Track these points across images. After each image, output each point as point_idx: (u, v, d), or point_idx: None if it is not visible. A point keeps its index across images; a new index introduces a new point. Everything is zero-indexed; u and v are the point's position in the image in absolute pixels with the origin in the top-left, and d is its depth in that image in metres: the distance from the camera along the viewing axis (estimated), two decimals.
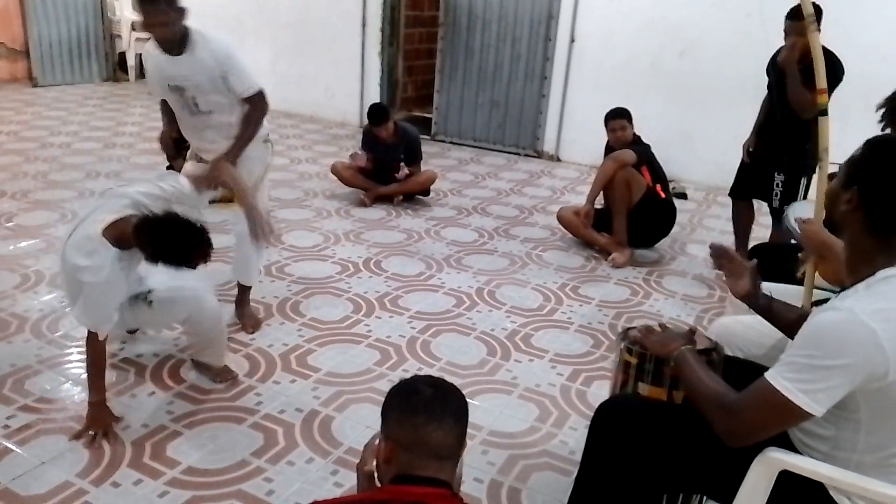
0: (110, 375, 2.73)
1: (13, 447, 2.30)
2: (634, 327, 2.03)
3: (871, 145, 1.50)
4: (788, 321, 1.86)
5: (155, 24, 2.73)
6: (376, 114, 5.08)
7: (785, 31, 3.66)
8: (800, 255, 2.55)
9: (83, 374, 2.74)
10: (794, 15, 3.49)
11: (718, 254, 2.03)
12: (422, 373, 2.87)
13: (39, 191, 5.03)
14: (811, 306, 2.20)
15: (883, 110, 2.55)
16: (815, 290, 2.24)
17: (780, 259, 2.91)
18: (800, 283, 2.34)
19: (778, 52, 3.78)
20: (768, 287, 2.41)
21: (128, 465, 2.25)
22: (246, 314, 3.25)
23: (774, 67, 3.80)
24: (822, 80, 2.22)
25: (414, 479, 1.32)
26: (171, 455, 2.31)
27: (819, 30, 2.56)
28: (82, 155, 6.11)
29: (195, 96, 2.91)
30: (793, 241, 2.97)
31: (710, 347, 1.88)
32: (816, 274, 2.26)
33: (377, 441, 1.44)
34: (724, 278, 2.05)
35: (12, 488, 2.11)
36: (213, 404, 2.61)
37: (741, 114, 4.80)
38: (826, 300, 2.16)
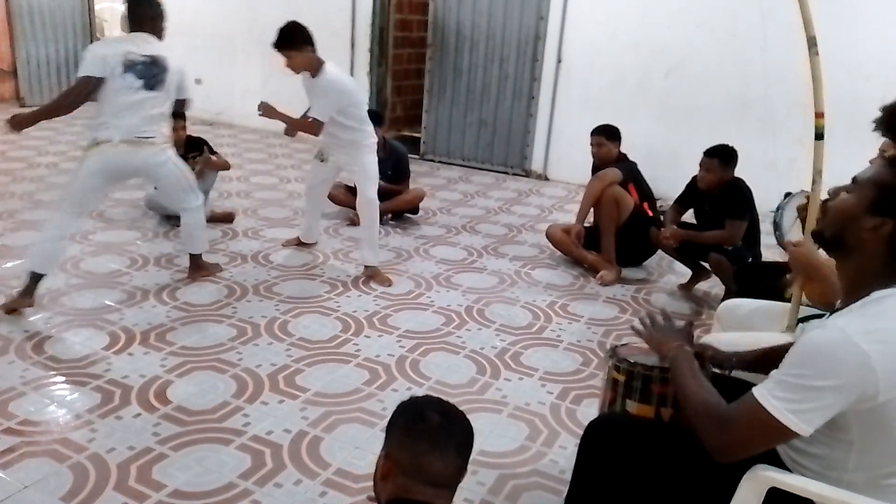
0: (94, 397, 2.71)
1: None
2: (624, 344, 2.04)
3: None
4: (758, 360, 1.87)
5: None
6: (373, 113, 5.22)
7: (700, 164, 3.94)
8: (787, 276, 2.56)
9: (68, 396, 2.73)
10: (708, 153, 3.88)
11: (647, 327, 1.91)
12: (410, 392, 2.86)
13: (26, 211, 5.00)
14: (797, 322, 2.22)
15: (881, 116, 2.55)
16: (801, 307, 2.25)
17: (765, 277, 2.93)
18: (787, 300, 2.35)
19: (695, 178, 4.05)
20: (755, 305, 2.43)
21: (113, 488, 2.22)
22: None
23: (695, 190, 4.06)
24: (820, 104, 2.24)
25: (409, 502, 1.31)
26: (157, 478, 2.28)
27: None
28: (70, 175, 6.07)
29: None
30: (778, 261, 2.99)
31: (703, 347, 1.93)
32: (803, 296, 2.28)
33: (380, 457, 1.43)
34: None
35: None
36: (200, 426, 2.58)
37: (727, 132, 4.86)
38: (814, 316, 2.19)
